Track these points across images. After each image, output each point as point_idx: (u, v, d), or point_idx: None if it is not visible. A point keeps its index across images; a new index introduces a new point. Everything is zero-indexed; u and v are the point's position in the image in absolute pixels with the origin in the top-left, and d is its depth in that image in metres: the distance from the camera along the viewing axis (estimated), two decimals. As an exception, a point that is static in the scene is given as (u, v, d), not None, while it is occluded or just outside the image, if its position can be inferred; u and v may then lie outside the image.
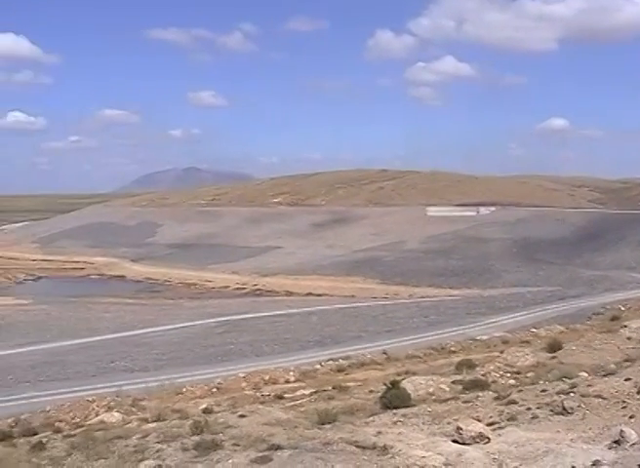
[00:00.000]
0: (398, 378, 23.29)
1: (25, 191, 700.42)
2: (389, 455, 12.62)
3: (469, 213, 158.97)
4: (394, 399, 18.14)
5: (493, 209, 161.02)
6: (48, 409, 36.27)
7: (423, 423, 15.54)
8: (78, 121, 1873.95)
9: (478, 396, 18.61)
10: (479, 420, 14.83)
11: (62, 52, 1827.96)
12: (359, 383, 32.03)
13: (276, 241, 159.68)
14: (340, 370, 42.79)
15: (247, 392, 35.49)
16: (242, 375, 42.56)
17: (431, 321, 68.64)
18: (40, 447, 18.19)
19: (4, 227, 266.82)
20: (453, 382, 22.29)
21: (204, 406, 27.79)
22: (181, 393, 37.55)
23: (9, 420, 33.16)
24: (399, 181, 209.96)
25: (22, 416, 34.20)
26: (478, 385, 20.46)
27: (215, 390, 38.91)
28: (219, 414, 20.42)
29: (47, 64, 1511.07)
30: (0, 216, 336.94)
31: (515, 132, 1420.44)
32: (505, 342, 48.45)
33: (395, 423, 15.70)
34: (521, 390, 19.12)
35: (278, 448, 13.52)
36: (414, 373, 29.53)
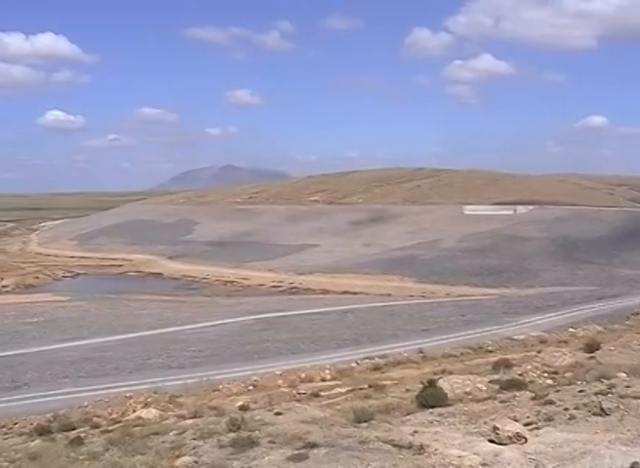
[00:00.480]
0: (434, 377, 23.25)
1: (64, 189, 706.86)
2: (425, 455, 12.60)
3: (506, 211, 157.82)
4: (431, 398, 18.10)
5: (530, 207, 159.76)
6: (86, 404, 36.70)
7: (460, 423, 15.49)
8: (116, 119, 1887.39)
9: (515, 396, 18.51)
10: (516, 420, 14.75)
11: (101, 51, 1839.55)
12: (395, 382, 31.99)
13: (313, 239, 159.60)
14: (376, 368, 42.78)
15: (283, 390, 35.60)
16: (278, 373, 42.72)
17: (468, 320, 68.37)
18: (78, 442, 18.36)
19: (43, 224, 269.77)
20: (490, 382, 22.17)
21: (240, 403, 27.89)
22: (218, 390, 37.73)
23: (48, 415, 33.59)
24: (436, 180, 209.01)
25: (61, 412, 34.61)
26: (515, 385, 20.34)
27: (251, 387, 39.08)
28: (255, 412, 20.50)
29: (86, 63, 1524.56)
30: (39, 214, 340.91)
31: (553, 130, 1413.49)
32: (543, 342, 48.22)
33: (431, 422, 15.67)
34: (558, 390, 19.00)
35: (314, 445, 13.54)
36: (450, 373, 29.45)
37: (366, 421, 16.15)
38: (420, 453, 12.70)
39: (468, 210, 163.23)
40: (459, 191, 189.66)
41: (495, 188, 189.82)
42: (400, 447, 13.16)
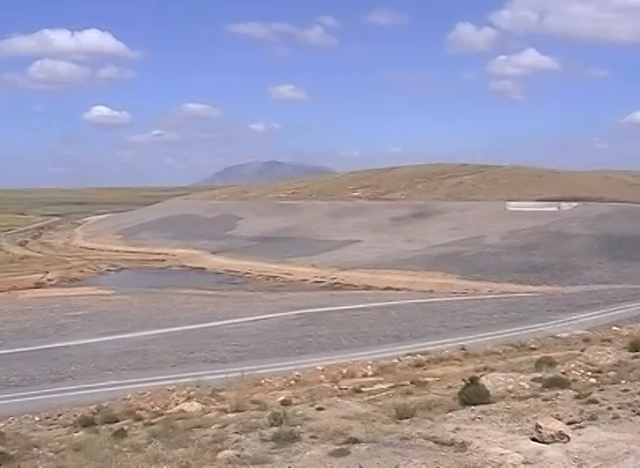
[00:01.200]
0: (477, 374, 23.16)
1: (109, 184, 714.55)
2: (467, 452, 12.57)
3: (550, 208, 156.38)
4: (473, 395, 18.03)
5: (574, 204, 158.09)
6: (129, 397, 37.03)
7: (502, 420, 15.42)
8: (161, 115, 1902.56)
9: (558, 394, 18.38)
10: (559, 419, 14.64)
11: (146, 47, 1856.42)
12: (437, 379, 31.91)
13: (355, 235, 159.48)
14: (418, 364, 42.68)
15: (325, 385, 35.64)
16: (320, 368, 42.76)
17: (511, 317, 67.98)
18: (121, 434, 18.57)
19: (88, 219, 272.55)
20: (532, 380, 22.02)
21: (282, 397, 27.98)
22: (260, 384, 37.86)
23: (91, 407, 33.97)
24: (479, 176, 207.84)
25: (104, 404, 35.00)
26: (558, 383, 20.18)
27: (293, 382, 39.16)
28: (297, 407, 20.56)
29: (131, 60, 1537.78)
30: (84, 208, 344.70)
31: (598, 126, 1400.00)
32: (586, 340, 47.77)
33: (473, 420, 15.61)
34: (602, 389, 18.83)
35: (356, 441, 13.56)
36: (492, 370, 29.28)
37: (408, 418, 16.14)
38: (461, 451, 12.66)
39: (512, 206, 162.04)
40: (502, 187, 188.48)
41: (538, 185, 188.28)
42: (442, 443, 13.14)
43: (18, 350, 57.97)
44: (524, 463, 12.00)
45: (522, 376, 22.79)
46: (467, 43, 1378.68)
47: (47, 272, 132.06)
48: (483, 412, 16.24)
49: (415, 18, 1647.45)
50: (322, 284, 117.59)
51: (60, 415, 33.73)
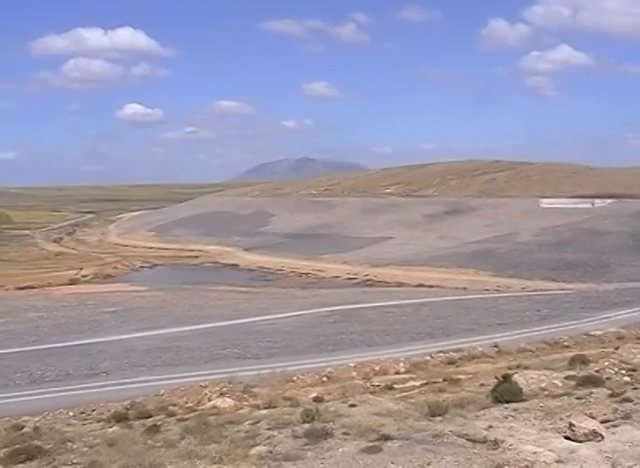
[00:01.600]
0: (510, 372, 23.06)
1: (142, 181, 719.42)
2: (500, 450, 12.53)
3: (584, 205, 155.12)
4: (506, 393, 17.96)
5: (608, 201, 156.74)
6: (162, 392, 37.23)
7: (535, 418, 15.34)
8: (194, 112, 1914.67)
9: (592, 392, 18.25)
10: (592, 417, 14.55)
11: (179, 45, 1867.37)
12: (470, 376, 31.84)
13: (388, 231, 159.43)
14: (450, 362, 42.60)
15: (357, 382, 35.66)
16: (352, 365, 42.77)
17: (544, 315, 67.54)
18: (155, 429, 18.67)
19: (122, 216, 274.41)
20: (566, 378, 21.87)
21: (314, 394, 28.06)
22: (292, 381, 37.94)
23: (125, 403, 34.22)
24: (512, 172, 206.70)
25: (138, 399, 35.21)
26: (592, 381, 20.05)
27: (325, 379, 39.21)
28: (329, 403, 20.60)
29: (164, 57, 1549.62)
30: (118, 205, 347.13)
31: (633, 122, 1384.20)
32: (620, 338, 47.44)
33: (506, 417, 15.55)
34: (636, 388, 18.71)
35: (388, 438, 13.56)
36: (525, 368, 29.15)
37: (440, 415, 16.12)
38: (494, 448, 12.63)
39: (545, 203, 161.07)
40: (535, 184, 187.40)
41: (572, 181, 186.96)
42: (474, 441, 13.11)
43: (53, 346, 58.50)
44: (557, 462, 11.94)
45: (555, 374, 22.66)
46: (500, 39, 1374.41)
47: (81, 268, 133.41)
48: (516, 410, 16.18)
49: (447, 14, 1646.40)
50: (354, 281, 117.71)
51: (93, 411, 34.01)
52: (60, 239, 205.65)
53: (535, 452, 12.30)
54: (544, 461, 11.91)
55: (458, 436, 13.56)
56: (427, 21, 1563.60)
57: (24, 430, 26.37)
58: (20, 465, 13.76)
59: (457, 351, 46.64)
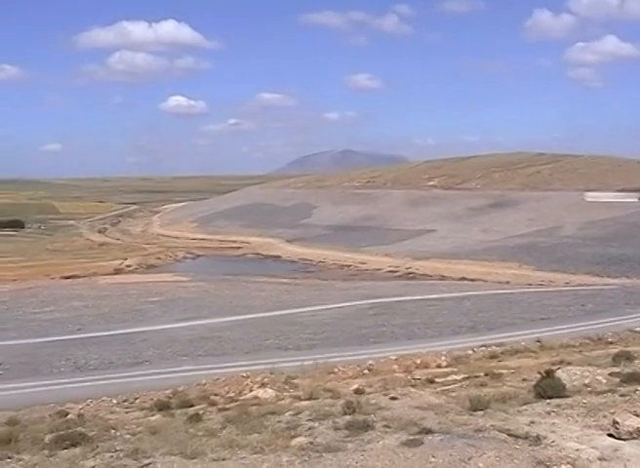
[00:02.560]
0: (552, 368, 22.87)
1: (185, 172, 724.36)
2: (542, 446, 12.45)
3: (630, 199, 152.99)
4: (548, 388, 17.82)
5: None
6: (204, 382, 37.41)
7: (578, 415, 15.20)
8: (237, 104, 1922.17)
9: (636, 390, 18.05)
10: (637, 415, 14.38)
11: (223, 38, 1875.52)
12: (512, 371, 31.58)
13: (430, 224, 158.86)
14: (492, 356, 42.30)
15: (398, 374, 35.53)
16: (393, 358, 42.65)
17: (588, 310, 66.93)
18: (196, 418, 18.83)
19: (165, 207, 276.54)
20: (610, 374, 21.63)
21: (355, 386, 28.01)
22: (333, 373, 37.92)
23: (167, 392, 34.47)
24: (557, 165, 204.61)
25: (180, 388, 35.45)
26: (636, 379, 19.81)
27: (366, 371, 39.14)
28: (370, 396, 20.58)
29: (208, 50, 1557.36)
30: (162, 197, 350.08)
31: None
32: (666, 335, 46.88)
33: (549, 413, 15.43)
34: (682, 385, 18.46)
35: (429, 431, 13.54)
36: (569, 363, 28.89)
37: (482, 410, 16.04)
38: (536, 444, 12.55)
39: (590, 196, 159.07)
40: (580, 177, 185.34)
41: (618, 175, 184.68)
42: (516, 437, 13.04)
43: (97, 334, 59.15)
44: (600, 459, 11.83)
45: (599, 371, 22.44)
46: (544, 30, 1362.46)
47: (125, 259, 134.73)
48: (558, 406, 16.04)
49: (491, 4, 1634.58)
50: (396, 273, 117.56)
51: (136, 399, 34.27)
52: (105, 229, 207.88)
53: (577, 449, 12.20)
54: (587, 459, 11.81)
55: (499, 431, 13.50)
56: (470, 12, 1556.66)
57: (69, 417, 26.66)
58: (65, 451, 13.93)
59: (499, 345, 46.35)
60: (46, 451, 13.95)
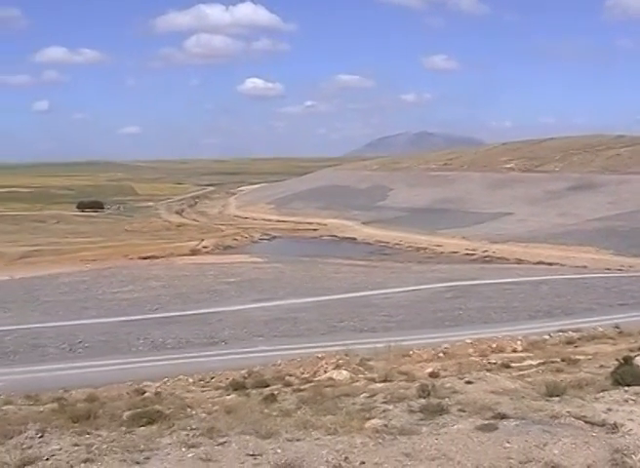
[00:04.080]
0: (631, 354, 22.55)
1: (261, 154, 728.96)
2: (619, 434, 12.31)
3: None
4: (626, 375, 17.58)
5: None
6: (279, 363, 37.74)
7: (657, 403, 15.00)
8: (313, 86, 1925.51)
9: None
10: None
11: (299, 19, 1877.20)
12: (589, 357, 31.26)
13: (508, 207, 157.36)
14: (569, 342, 41.83)
15: (473, 358, 35.43)
16: (469, 341, 42.46)
17: (669, 296, 65.62)
18: (271, 398, 19.05)
19: (242, 189, 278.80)
20: (690, 361, 21.27)
21: (430, 369, 28.04)
22: (408, 355, 37.89)
23: (242, 372, 34.85)
24: (638, 148, 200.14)
25: (255, 369, 35.81)
26: None
27: (441, 355, 39.03)
28: (445, 379, 20.56)
29: (285, 32, 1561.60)
30: (239, 178, 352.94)
31: None
32: None
33: (626, 401, 15.22)
34: None
35: (504, 417, 13.49)
36: (648, 350, 28.49)
37: (558, 396, 15.91)
38: (613, 432, 12.41)
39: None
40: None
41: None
42: (592, 424, 12.92)
43: (174, 314, 59.96)
44: (679, 449, 11.67)
45: (679, 358, 22.05)
46: (625, 9, 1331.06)
47: (202, 239, 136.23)
48: (637, 394, 15.82)
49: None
50: (472, 256, 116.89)
51: (212, 378, 34.72)
52: (182, 211, 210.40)
53: (655, 438, 12.05)
54: (666, 448, 11.66)
55: (575, 418, 13.39)
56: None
57: (146, 395, 27.24)
58: (142, 428, 14.20)
59: (576, 331, 45.77)
60: (123, 428, 14.25)
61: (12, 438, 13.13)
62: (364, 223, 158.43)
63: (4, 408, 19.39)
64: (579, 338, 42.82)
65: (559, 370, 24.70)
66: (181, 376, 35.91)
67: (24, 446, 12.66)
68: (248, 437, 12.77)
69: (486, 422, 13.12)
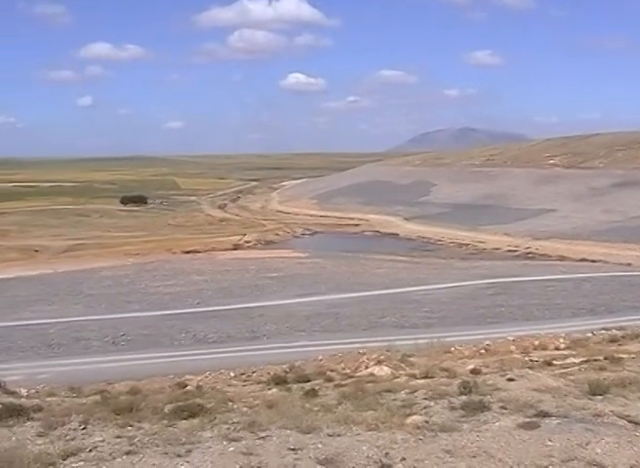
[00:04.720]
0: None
1: (304, 149, 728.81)
2: (663, 434, 12.21)
3: None
4: (671, 374, 17.43)
5: None
6: (320, 358, 37.82)
7: (701, 403, 14.83)
8: (356, 82, 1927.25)
9: None
10: None
11: (342, 15, 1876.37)
12: (632, 355, 30.91)
13: (551, 204, 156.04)
14: (612, 340, 41.42)
15: (515, 356, 35.22)
16: (511, 339, 42.29)
17: None
18: (313, 393, 19.07)
19: (285, 184, 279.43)
20: None
21: (472, 366, 27.89)
22: (450, 352, 37.82)
23: (284, 366, 34.96)
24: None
25: (297, 363, 35.92)
26: None
27: (483, 351, 38.90)
28: (487, 376, 20.48)
29: (327, 27, 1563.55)
30: (281, 173, 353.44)
31: None
32: None
33: (671, 400, 15.09)
34: None
35: (546, 415, 13.42)
36: (693, 349, 28.15)
37: (601, 394, 15.79)
38: (657, 432, 12.31)
39: None
40: None
41: None
42: (636, 423, 12.80)
43: (216, 308, 60.34)
44: None
45: None
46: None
47: (244, 234, 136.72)
48: (681, 393, 15.69)
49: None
50: (515, 253, 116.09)
51: (254, 372, 34.87)
52: (225, 205, 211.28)
53: (700, 438, 11.93)
54: None
55: (618, 417, 13.28)
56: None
57: (187, 388, 27.40)
58: (184, 421, 14.29)
59: (619, 329, 45.34)
60: (165, 421, 14.34)
61: (55, 429, 13.29)
62: (406, 219, 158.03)
63: (48, 399, 19.58)
64: (622, 337, 42.40)
65: (602, 369, 24.48)
66: (223, 370, 36.15)
67: (68, 437, 12.80)
68: (289, 431, 12.81)
69: (528, 420, 13.06)
